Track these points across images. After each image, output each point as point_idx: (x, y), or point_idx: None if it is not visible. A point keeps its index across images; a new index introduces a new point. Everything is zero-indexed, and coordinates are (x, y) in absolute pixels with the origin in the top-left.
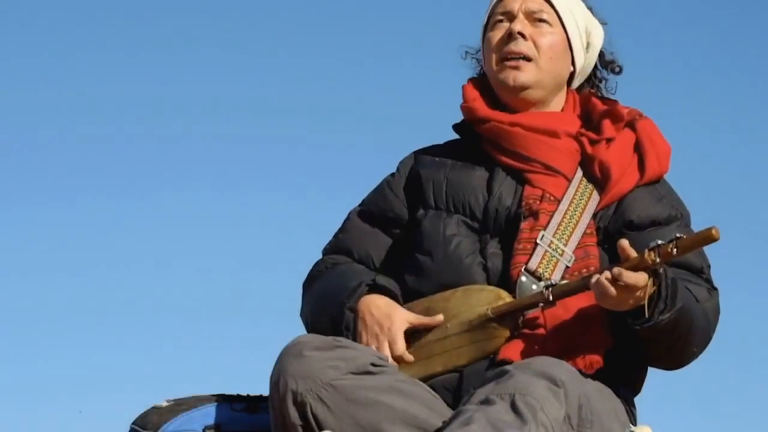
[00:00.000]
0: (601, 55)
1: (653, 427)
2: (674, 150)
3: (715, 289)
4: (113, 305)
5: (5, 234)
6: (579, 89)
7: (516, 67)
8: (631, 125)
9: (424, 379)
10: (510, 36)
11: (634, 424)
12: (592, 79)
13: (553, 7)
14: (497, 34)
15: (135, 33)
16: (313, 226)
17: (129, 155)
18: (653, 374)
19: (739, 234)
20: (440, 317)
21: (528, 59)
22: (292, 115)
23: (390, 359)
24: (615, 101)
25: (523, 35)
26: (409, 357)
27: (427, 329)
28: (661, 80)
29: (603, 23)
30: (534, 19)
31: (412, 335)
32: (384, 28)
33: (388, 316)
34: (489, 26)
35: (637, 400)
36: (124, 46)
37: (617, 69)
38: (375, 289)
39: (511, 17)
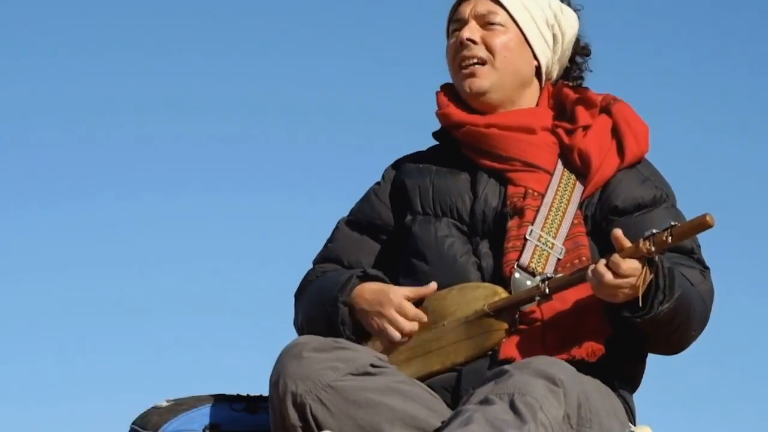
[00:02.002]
0: (576, 41)
1: (653, 427)
2: (656, 135)
3: (707, 268)
4: (113, 305)
5: (5, 234)
6: (560, 79)
7: (471, 74)
8: (606, 110)
9: (423, 378)
10: (461, 43)
11: (633, 422)
12: (572, 66)
13: (502, 6)
14: (451, 42)
15: (135, 33)
16: (313, 226)
17: (129, 155)
18: (653, 374)
19: (738, 231)
20: (434, 285)
21: (483, 63)
22: (292, 115)
23: (408, 325)
24: (585, 88)
25: (472, 41)
26: (423, 316)
27: (424, 327)
28: (648, 68)
29: (576, 9)
30: (485, 22)
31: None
32: (382, 28)
33: (382, 292)
34: (448, 35)
35: (636, 399)
36: (125, 46)
37: (586, 52)
38: (365, 279)
39: (463, 24)
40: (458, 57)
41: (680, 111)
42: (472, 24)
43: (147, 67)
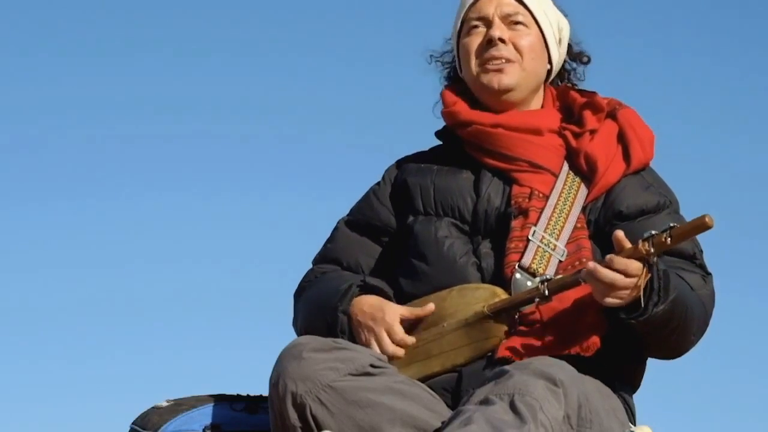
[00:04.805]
0: (569, 47)
1: (653, 427)
2: (661, 140)
3: (709, 274)
4: (113, 305)
5: (6, 234)
6: (552, 83)
7: (499, 70)
8: (612, 115)
9: (423, 380)
10: (490, 42)
11: (633, 423)
12: (562, 71)
13: (527, 8)
14: (475, 40)
15: (135, 33)
16: (312, 226)
17: (129, 155)
18: (653, 373)
19: (739, 232)
20: (431, 306)
21: (510, 62)
22: (292, 115)
23: (391, 348)
24: (593, 93)
25: (503, 40)
26: (411, 339)
27: (423, 328)
28: (644, 71)
29: (565, 15)
30: (510, 22)
31: (409, 335)
32: (381, 28)
33: (379, 309)
34: (463, 32)
35: (636, 399)
36: (125, 46)
37: (585, 59)
38: (365, 289)
39: (487, 22)
40: (485, 55)
41: (680, 115)
42: (499, 23)
43: (147, 67)
